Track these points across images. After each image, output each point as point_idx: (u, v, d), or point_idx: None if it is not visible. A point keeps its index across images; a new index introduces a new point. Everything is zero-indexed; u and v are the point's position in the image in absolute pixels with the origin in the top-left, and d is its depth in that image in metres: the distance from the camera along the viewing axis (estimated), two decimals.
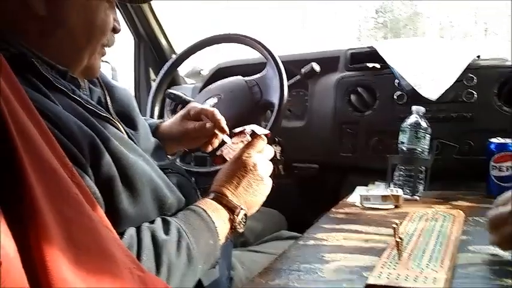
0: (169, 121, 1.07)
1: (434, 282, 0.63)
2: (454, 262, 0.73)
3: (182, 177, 0.92)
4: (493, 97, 1.33)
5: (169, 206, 0.75)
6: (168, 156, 1.09)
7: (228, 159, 0.88)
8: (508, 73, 1.33)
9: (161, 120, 1.11)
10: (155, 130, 1.05)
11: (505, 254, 0.74)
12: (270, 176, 0.87)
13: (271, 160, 0.89)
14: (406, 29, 2.75)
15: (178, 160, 1.23)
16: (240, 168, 0.81)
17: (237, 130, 0.90)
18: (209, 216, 0.73)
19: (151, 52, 2.02)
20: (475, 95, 1.35)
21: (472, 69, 1.37)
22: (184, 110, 1.05)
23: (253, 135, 0.88)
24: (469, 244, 0.82)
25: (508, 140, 1.16)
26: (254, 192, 0.82)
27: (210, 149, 1.03)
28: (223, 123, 0.98)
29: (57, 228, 0.42)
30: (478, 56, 1.43)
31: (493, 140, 1.17)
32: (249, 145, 0.86)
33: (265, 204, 0.87)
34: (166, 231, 0.68)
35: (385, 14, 2.81)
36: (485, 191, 1.18)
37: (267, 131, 0.89)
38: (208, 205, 0.76)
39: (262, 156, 0.86)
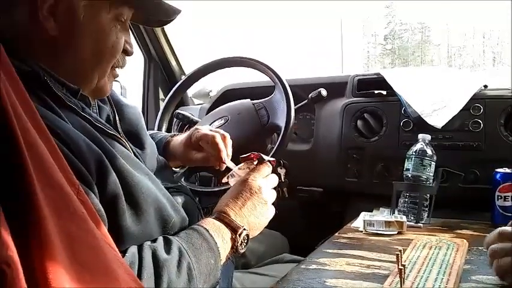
0: (175, 143, 1.06)
1: None
2: None
3: (187, 197, 0.93)
4: (500, 127, 1.34)
5: (173, 225, 0.75)
6: (174, 169, 1.09)
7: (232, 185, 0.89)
8: None
9: (172, 134, 1.10)
10: (165, 145, 1.06)
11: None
12: (273, 204, 0.87)
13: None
14: (414, 56, 2.78)
15: (183, 179, 1.23)
16: (245, 190, 0.82)
17: (244, 156, 0.91)
18: (211, 236, 0.74)
19: (161, 72, 2.05)
20: (482, 125, 1.35)
21: (479, 98, 1.37)
22: (187, 135, 1.03)
23: (260, 161, 0.89)
24: (472, 274, 0.81)
25: None
26: (258, 214, 0.82)
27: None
28: (224, 154, 0.96)
29: (61, 245, 0.43)
30: (485, 86, 1.44)
31: (499, 169, 1.17)
32: (255, 170, 0.87)
33: (268, 226, 0.87)
34: (168, 250, 0.68)
35: (394, 41, 2.84)
36: (490, 220, 1.17)
37: (272, 159, 0.90)
38: (211, 225, 0.76)
39: (267, 182, 0.87)
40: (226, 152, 0.97)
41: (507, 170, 1.16)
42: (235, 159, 0.98)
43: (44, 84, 0.67)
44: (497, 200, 1.15)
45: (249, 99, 1.44)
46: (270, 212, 0.86)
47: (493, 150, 1.33)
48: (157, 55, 2.01)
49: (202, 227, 0.75)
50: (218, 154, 0.96)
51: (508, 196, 1.13)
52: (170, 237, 0.72)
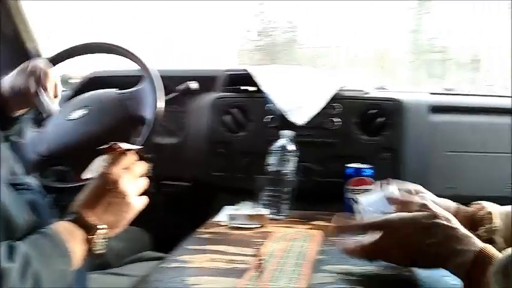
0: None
1: None
2: (309, 282, 0.77)
3: (37, 195, 0.84)
4: (354, 126, 1.46)
5: (16, 228, 0.67)
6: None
7: None
8: (368, 104, 1.47)
9: None
10: None
11: (356, 271, 0.81)
12: (143, 194, 0.82)
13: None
14: (282, 54, 2.89)
15: (34, 176, 1.12)
16: (100, 185, 0.77)
17: (104, 147, 0.84)
18: (62, 240, 0.68)
19: (13, 52, 1.83)
20: (338, 123, 1.46)
21: (337, 98, 1.48)
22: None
23: (120, 151, 0.83)
24: (325, 264, 0.86)
25: (363, 166, 1.27)
26: (115, 211, 0.76)
27: None
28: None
29: None
30: (344, 87, 1.56)
31: (349, 165, 1.28)
32: (112, 162, 0.80)
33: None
34: (11, 257, 0.61)
35: (265, 38, 2.93)
36: (343, 211, 1.27)
37: (135, 147, 0.84)
38: (62, 227, 0.70)
39: (128, 173, 0.80)
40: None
41: (357, 166, 1.27)
42: (97, 154, 0.91)
43: None
44: (348, 192, 1.26)
45: (115, 89, 1.36)
46: (133, 207, 0.79)
47: (347, 147, 1.45)
48: (10, 33, 1.79)
49: (51, 230, 0.69)
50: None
51: (357, 189, 1.24)
52: (14, 243, 0.64)
